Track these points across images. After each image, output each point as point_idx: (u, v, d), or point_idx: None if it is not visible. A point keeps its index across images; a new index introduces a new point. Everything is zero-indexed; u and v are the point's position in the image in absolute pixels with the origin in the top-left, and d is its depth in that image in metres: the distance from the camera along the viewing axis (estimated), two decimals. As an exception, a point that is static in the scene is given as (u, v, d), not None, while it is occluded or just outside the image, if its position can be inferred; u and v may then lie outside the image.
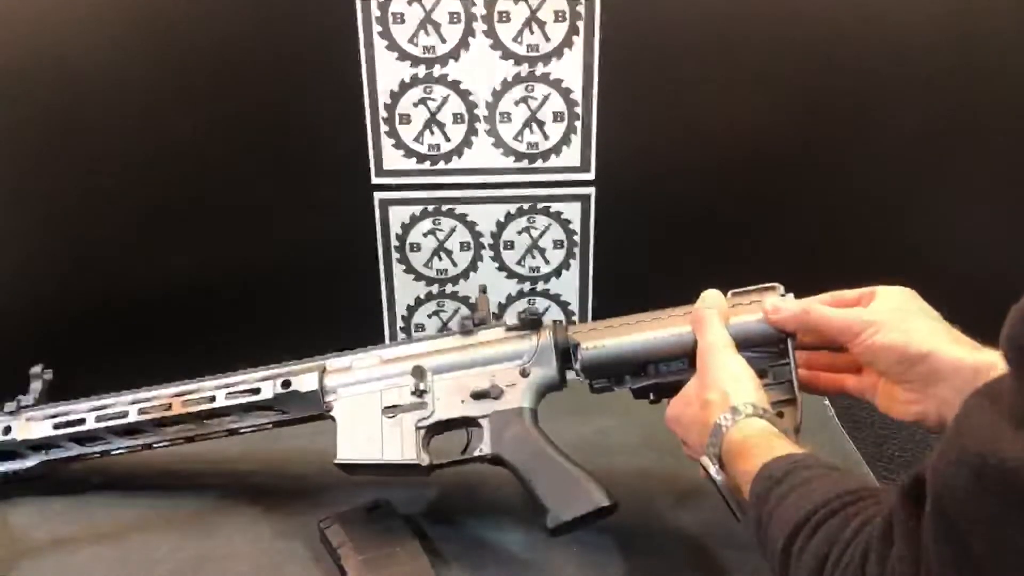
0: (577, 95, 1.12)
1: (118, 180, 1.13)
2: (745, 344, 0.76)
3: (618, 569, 0.83)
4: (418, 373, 0.85)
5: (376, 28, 1.08)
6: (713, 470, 0.68)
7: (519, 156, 1.15)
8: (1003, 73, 1.11)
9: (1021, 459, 0.40)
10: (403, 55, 1.10)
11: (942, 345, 0.68)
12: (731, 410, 0.68)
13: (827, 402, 1.09)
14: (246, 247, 1.18)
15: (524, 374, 0.85)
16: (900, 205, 1.18)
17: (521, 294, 1.23)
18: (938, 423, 0.69)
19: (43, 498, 0.95)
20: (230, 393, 0.89)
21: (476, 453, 0.84)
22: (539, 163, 1.16)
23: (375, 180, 1.16)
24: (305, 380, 0.87)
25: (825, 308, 0.75)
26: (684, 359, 0.79)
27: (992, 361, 0.64)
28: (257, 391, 0.88)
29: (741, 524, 0.67)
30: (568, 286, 1.23)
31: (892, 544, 0.48)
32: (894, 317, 0.71)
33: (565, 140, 1.14)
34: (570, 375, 0.87)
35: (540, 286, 1.23)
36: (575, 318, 1.24)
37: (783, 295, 0.78)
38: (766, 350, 0.77)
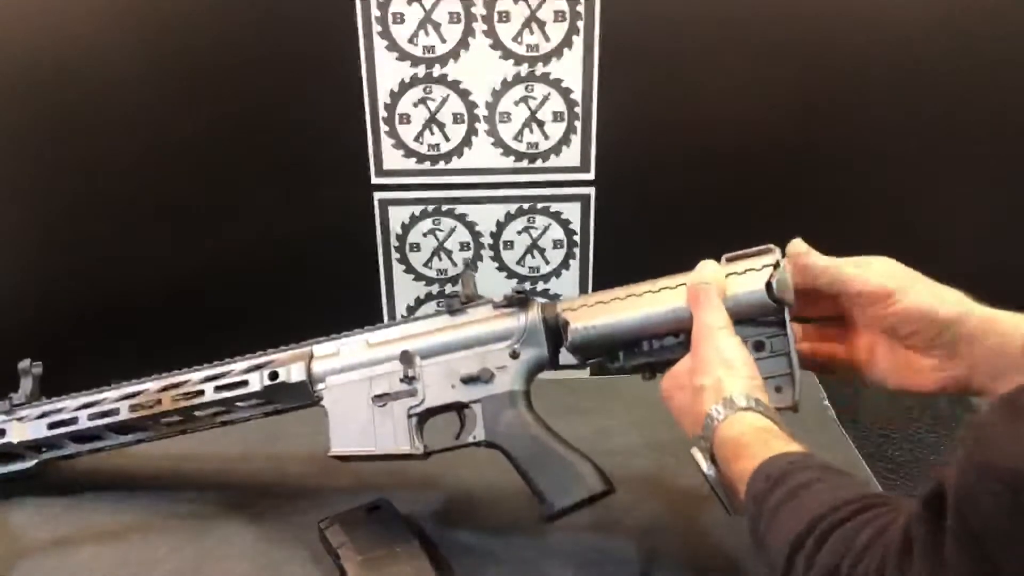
0: (577, 95, 1.12)
1: (117, 180, 1.13)
2: (741, 317, 0.73)
3: (618, 569, 0.83)
4: (406, 359, 0.84)
5: (376, 28, 1.08)
6: (704, 466, 0.67)
7: (519, 156, 1.15)
8: (1003, 68, 1.11)
9: None
10: (403, 55, 1.10)
11: (974, 306, 0.66)
12: (723, 402, 0.66)
13: (827, 402, 1.09)
14: (246, 247, 1.18)
15: (514, 356, 0.83)
16: (901, 201, 1.18)
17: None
18: (961, 388, 0.67)
19: (43, 498, 0.95)
20: (218, 387, 0.88)
21: (470, 440, 0.84)
22: (539, 163, 1.16)
23: (375, 180, 1.16)
24: (293, 371, 0.86)
25: (851, 267, 0.71)
26: (679, 335, 0.77)
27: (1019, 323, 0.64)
28: (245, 383, 0.87)
29: (731, 517, 0.66)
30: (568, 286, 1.23)
31: (911, 558, 0.47)
32: (916, 282, 0.69)
33: (565, 140, 1.14)
34: (573, 375, 0.87)
35: (540, 286, 1.23)
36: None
37: (780, 260, 0.75)
38: (763, 321, 0.74)
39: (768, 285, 0.74)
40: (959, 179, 1.17)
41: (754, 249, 0.77)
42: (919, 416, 1.09)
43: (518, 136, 1.14)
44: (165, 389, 0.90)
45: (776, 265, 0.74)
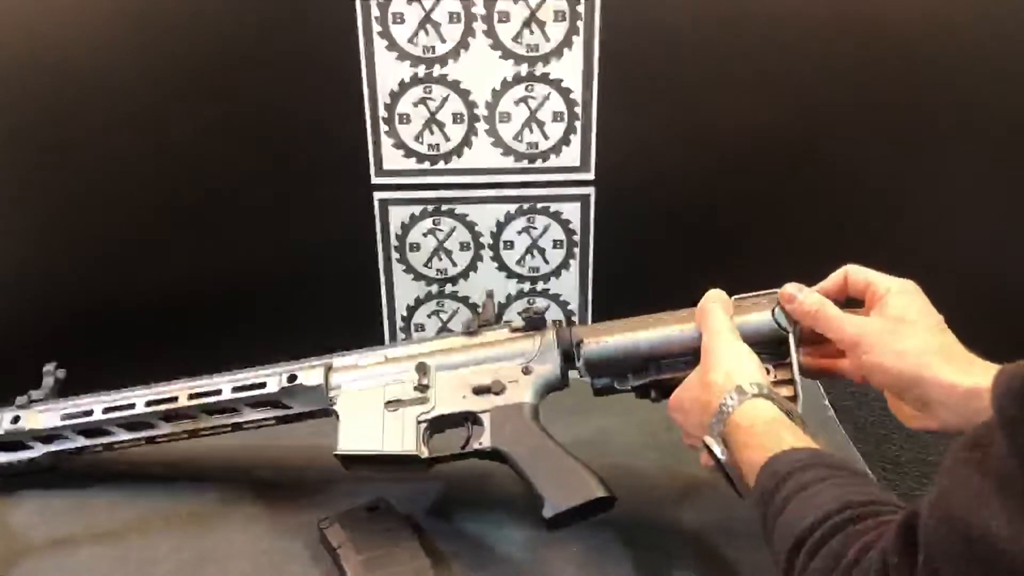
0: (577, 95, 1.12)
1: (118, 181, 1.13)
2: (747, 342, 0.75)
3: (618, 569, 0.83)
4: (421, 369, 0.86)
5: (376, 28, 1.08)
6: (718, 450, 0.68)
7: (519, 156, 1.15)
8: (1003, 72, 1.11)
9: (1008, 537, 0.40)
10: (403, 55, 1.10)
11: (935, 367, 0.67)
12: (736, 389, 0.68)
13: (827, 402, 1.09)
14: (246, 247, 1.18)
15: (526, 371, 0.85)
16: (900, 204, 1.18)
17: (521, 294, 1.23)
18: (944, 432, 0.68)
19: (43, 497, 0.95)
20: (236, 387, 0.89)
21: (476, 446, 0.84)
22: (539, 163, 1.16)
23: (375, 180, 1.16)
24: (311, 375, 0.88)
25: (835, 312, 0.73)
26: (687, 356, 0.79)
27: (985, 386, 0.64)
28: (263, 385, 0.89)
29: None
30: (568, 286, 1.23)
31: None
32: (890, 337, 0.70)
33: (565, 140, 1.14)
34: (573, 376, 0.87)
35: (540, 286, 1.23)
36: (575, 318, 1.24)
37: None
38: (768, 349, 0.77)
39: (774, 312, 0.78)
40: (962, 186, 1.17)
41: (760, 292, 0.80)
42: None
43: (518, 136, 1.14)
44: (183, 388, 0.91)
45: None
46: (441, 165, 1.16)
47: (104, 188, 1.13)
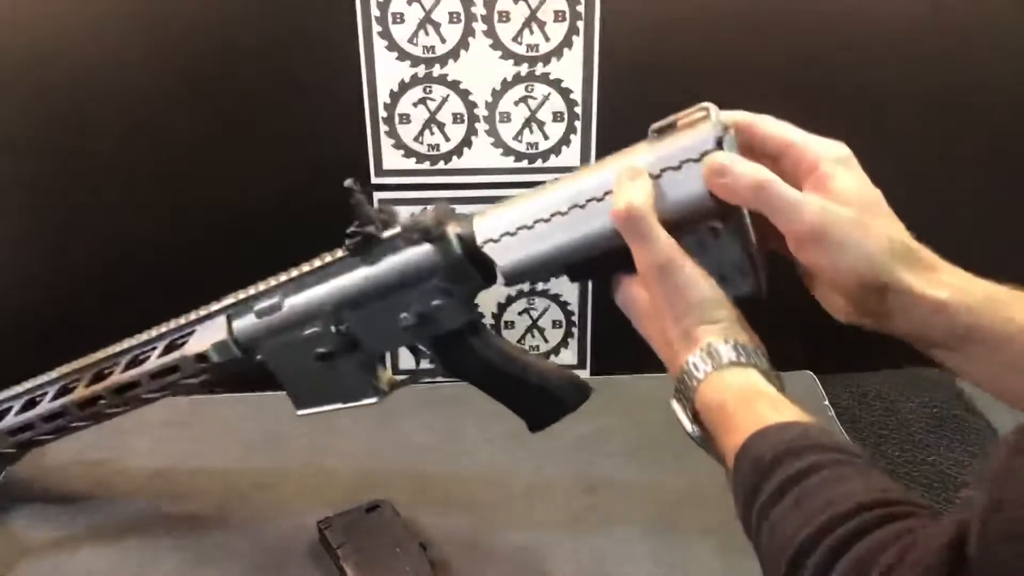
0: (577, 95, 1.12)
1: (116, 179, 1.13)
2: (682, 223, 0.60)
3: (617, 570, 0.83)
4: (336, 317, 0.79)
5: (376, 28, 1.08)
6: (688, 426, 0.59)
7: (519, 156, 1.15)
8: (1003, 69, 1.11)
9: None
10: (403, 55, 1.10)
11: (900, 273, 0.57)
12: (701, 352, 0.57)
13: (827, 402, 1.09)
14: (245, 247, 1.18)
15: (447, 293, 0.76)
16: (901, 202, 1.18)
17: (521, 294, 1.23)
18: (875, 331, 0.59)
19: (43, 497, 0.95)
20: (153, 375, 0.85)
21: (431, 378, 0.82)
22: (539, 163, 1.16)
23: (375, 180, 1.16)
24: (219, 349, 0.83)
25: (785, 190, 0.57)
26: (619, 252, 0.63)
27: (953, 301, 0.56)
28: (176, 368, 0.85)
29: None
30: (568, 286, 1.23)
31: None
32: (858, 233, 0.57)
33: (565, 140, 1.14)
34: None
35: (540, 286, 1.23)
36: (575, 317, 1.24)
37: (722, 136, 0.60)
38: (709, 224, 0.61)
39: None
40: (962, 180, 1.17)
41: (687, 116, 0.63)
42: (918, 416, 1.10)
43: (518, 136, 1.14)
44: (95, 381, 0.87)
45: (719, 145, 0.60)
46: (441, 165, 1.16)
47: (102, 187, 1.13)
